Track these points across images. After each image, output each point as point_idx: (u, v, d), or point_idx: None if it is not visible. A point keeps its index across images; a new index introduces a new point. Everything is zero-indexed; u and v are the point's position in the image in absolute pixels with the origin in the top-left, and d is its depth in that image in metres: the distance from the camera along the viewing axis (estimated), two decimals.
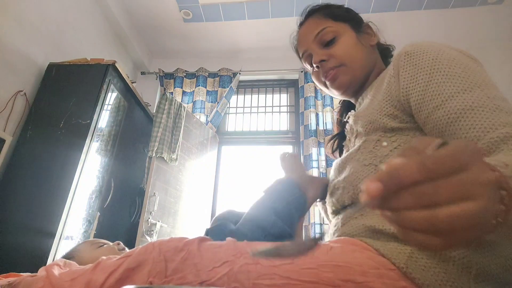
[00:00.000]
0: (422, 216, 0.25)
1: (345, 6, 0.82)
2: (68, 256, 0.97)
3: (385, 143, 0.62)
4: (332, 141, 0.93)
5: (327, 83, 0.78)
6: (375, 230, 0.55)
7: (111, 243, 1.04)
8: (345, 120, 0.80)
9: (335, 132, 0.93)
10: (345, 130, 0.80)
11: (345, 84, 0.76)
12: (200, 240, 0.54)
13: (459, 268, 0.45)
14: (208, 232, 0.69)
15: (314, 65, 0.78)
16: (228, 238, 0.54)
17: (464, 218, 0.25)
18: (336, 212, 0.71)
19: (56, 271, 0.53)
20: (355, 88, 0.77)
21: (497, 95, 0.52)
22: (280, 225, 0.65)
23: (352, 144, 0.73)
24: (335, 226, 0.69)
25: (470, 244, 0.33)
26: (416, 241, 0.27)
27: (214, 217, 0.78)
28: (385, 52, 0.84)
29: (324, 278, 0.46)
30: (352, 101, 0.84)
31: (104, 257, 0.52)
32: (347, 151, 0.75)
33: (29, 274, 0.61)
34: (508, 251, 0.47)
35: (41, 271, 0.54)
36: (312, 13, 0.81)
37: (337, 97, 0.82)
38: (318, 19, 0.78)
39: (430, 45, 0.60)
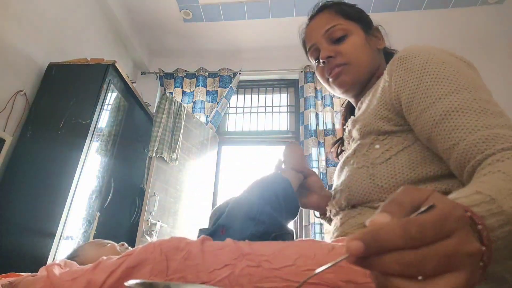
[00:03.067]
0: None
1: (358, 7, 0.82)
2: (72, 255, 0.96)
3: (377, 146, 0.64)
4: (336, 145, 0.94)
5: (330, 80, 0.78)
6: None
7: (115, 243, 1.04)
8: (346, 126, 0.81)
9: (340, 136, 0.94)
10: (344, 135, 0.81)
11: (347, 83, 0.76)
12: (202, 240, 0.54)
13: None
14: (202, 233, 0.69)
15: (321, 60, 0.77)
16: (228, 238, 0.54)
17: None
18: (336, 214, 0.72)
19: (56, 271, 0.53)
20: (356, 88, 0.78)
21: (485, 98, 0.52)
22: (268, 211, 0.63)
23: (350, 149, 0.75)
24: (334, 226, 0.71)
25: None
26: None
27: (209, 217, 0.77)
28: (389, 58, 0.85)
29: (326, 279, 0.46)
30: (353, 102, 0.85)
31: (104, 257, 0.52)
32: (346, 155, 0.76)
33: (30, 274, 0.61)
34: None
35: (42, 271, 0.54)
36: (324, 8, 0.80)
37: (339, 95, 0.82)
38: (330, 15, 0.78)
39: (422, 48, 0.61)
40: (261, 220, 0.62)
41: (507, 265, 0.34)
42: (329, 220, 0.85)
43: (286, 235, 0.64)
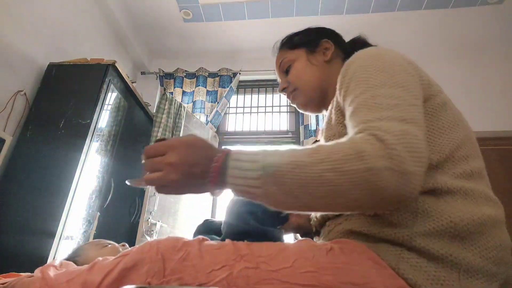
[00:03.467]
0: (146, 177, 0.52)
1: (308, 28, 0.89)
2: (73, 255, 0.96)
3: None
4: None
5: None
6: (360, 233, 0.56)
7: (116, 244, 1.03)
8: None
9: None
10: None
11: (302, 104, 0.85)
12: (200, 241, 0.54)
13: (449, 265, 0.47)
14: None
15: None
16: (227, 239, 0.54)
17: (155, 180, 0.51)
18: (322, 222, 0.71)
19: (51, 272, 0.53)
20: (313, 105, 0.84)
21: (386, 93, 0.52)
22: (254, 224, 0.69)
23: None
24: (322, 234, 0.69)
25: (178, 191, 0.53)
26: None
27: (194, 232, 0.81)
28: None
29: (324, 281, 0.46)
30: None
31: (100, 258, 0.52)
32: None
33: (28, 274, 0.61)
34: (491, 243, 0.49)
35: (37, 273, 0.54)
36: (280, 47, 0.91)
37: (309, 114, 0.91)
38: (281, 52, 0.89)
39: (362, 54, 0.62)
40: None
41: (293, 197, 0.47)
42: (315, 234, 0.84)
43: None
